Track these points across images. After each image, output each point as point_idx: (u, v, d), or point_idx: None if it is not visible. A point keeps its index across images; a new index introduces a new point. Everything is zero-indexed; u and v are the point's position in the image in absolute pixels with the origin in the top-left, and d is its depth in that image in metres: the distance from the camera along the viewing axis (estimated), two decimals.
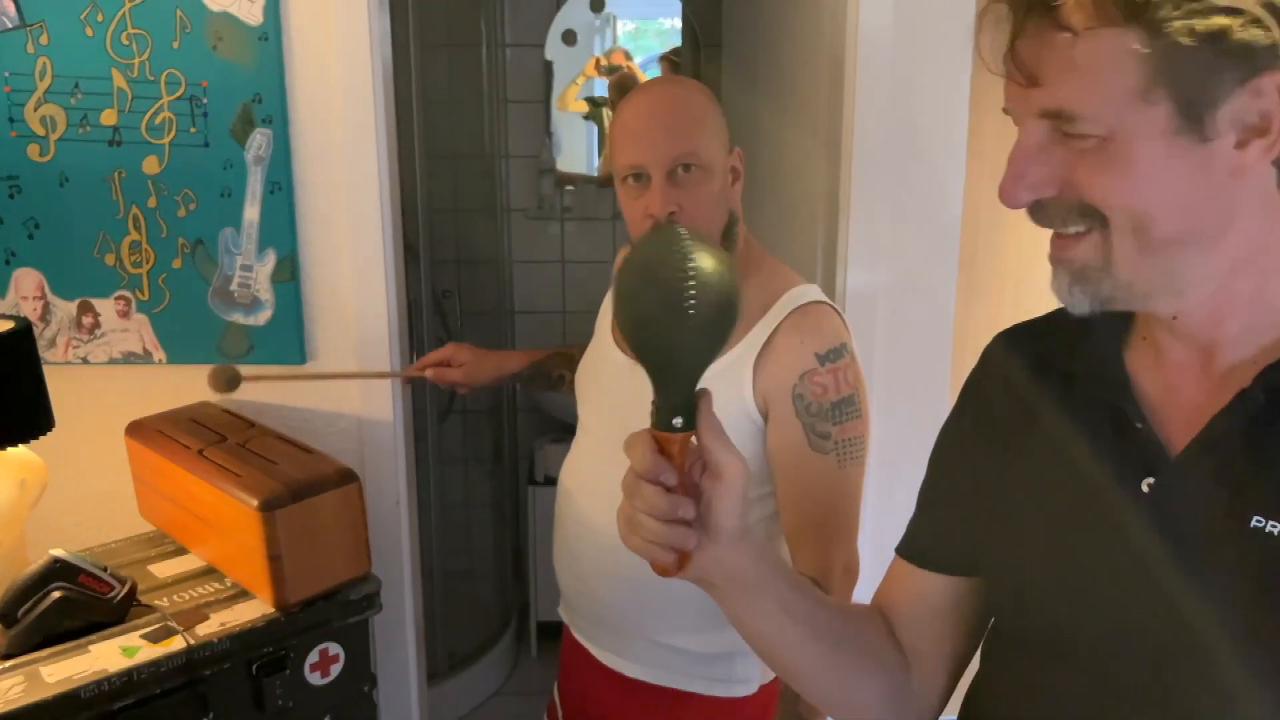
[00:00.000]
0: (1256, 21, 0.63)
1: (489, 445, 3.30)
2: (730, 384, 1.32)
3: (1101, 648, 0.76)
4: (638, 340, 0.75)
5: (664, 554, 0.76)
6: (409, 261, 2.72)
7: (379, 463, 1.70)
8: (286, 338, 1.66)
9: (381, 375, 1.65)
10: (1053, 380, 0.83)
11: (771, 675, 1.42)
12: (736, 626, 0.85)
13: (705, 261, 0.72)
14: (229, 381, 1.55)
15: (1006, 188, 0.73)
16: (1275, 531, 0.68)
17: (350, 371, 1.65)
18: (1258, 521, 0.69)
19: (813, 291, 1.36)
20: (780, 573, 0.84)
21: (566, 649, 1.59)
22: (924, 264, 1.74)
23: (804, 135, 1.89)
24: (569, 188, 3.23)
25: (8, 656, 1.26)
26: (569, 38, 3.10)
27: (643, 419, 0.76)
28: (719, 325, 0.73)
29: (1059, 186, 0.71)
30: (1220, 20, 0.63)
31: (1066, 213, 0.71)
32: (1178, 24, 0.63)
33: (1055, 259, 0.75)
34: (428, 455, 2.99)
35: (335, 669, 1.43)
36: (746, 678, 1.42)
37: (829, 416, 1.29)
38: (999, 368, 0.90)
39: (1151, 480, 0.75)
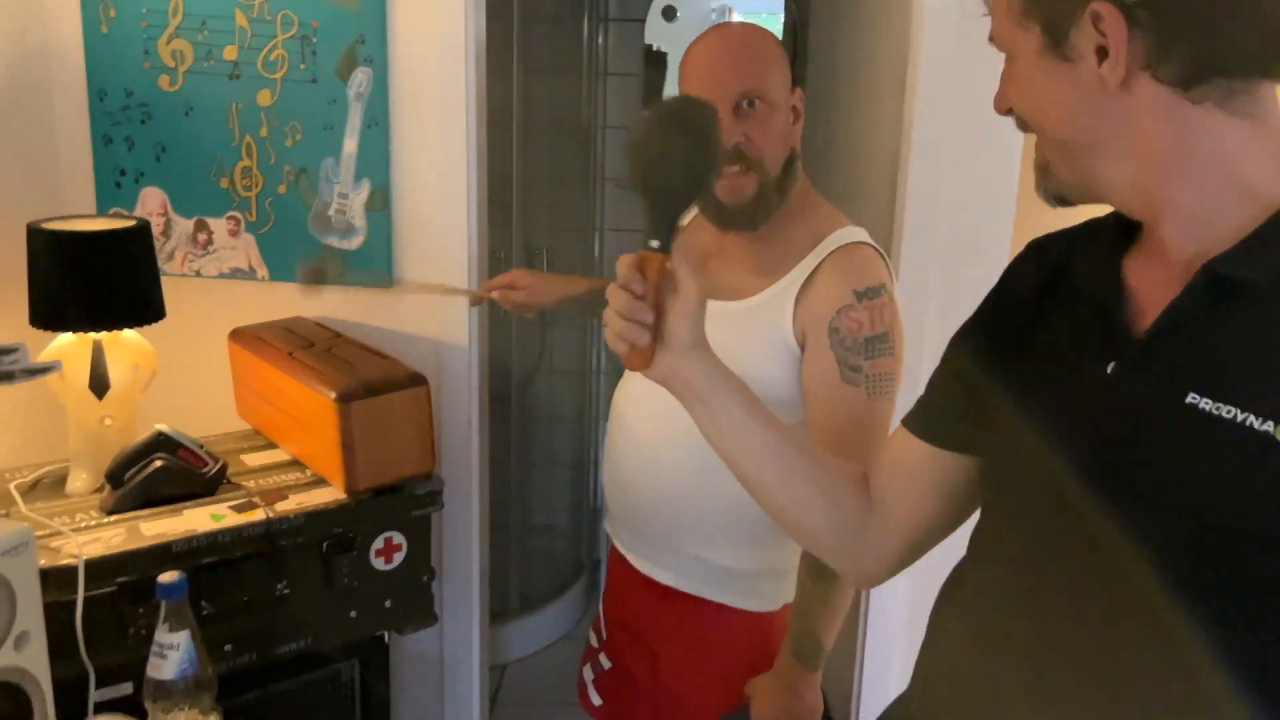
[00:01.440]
0: None
1: (572, 406, 3.43)
2: (773, 313, 1.40)
3: (1053, 519, 0.83)
4: (635, 176, 0.94)
5: (624, 346, 0.94)
6: (501, 217, 2.87)
7: (454, 384, 1.83)
8: (376, 262, 1.81)
9: (454, 291, 1.77)
10: (1062, 279, 0.90)
11: (793, 596, 1.49)
12: (708, 440, 1.00)
13: (692, 124, 0.92)
14: (315, 274, 1.70)
15: (994, 101, 0.84)
16: (1207, 409, 0.74)
17: (428, 284, 1.78)
18: (1192, 399, 0.74)
19: (858, 233, 1.43)
20: (735, 390, 0.98)
21: (612, 564, 1.70)
22: (981, 214, 1.78)
23: (873, 101, 1.95)
24: None
25: (113, 512, 1.43)
26: (669, 13, 3.21)
27: None
28: (695, 174, 0.95)
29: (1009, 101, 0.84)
30: None
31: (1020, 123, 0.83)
32: None
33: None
34: (511, 415, 3.14)
35: (398, 557, 1.57)
36: (773, 595, 1.49)
37: (862, 351, 1.36)
38: (1021, 267, 0.97)
39: (1114, 364, 0.81)
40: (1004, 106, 0.85)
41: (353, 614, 1.54)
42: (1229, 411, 0.72)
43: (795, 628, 1.42)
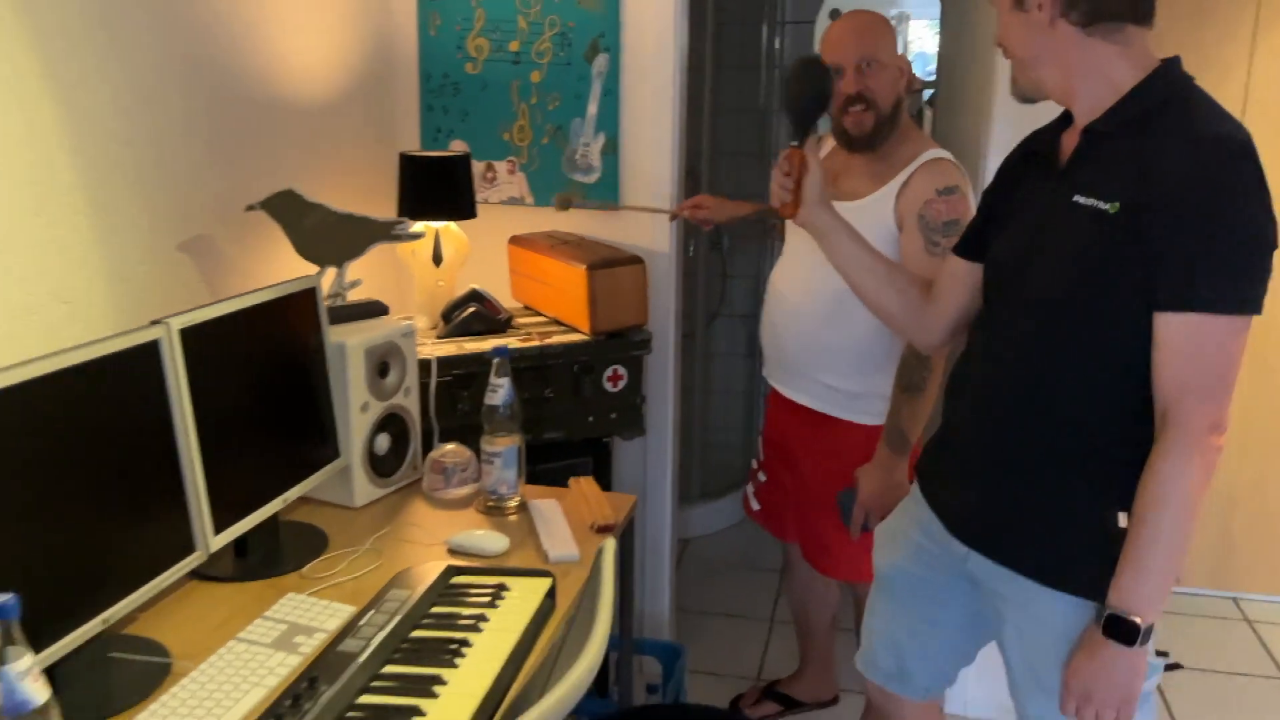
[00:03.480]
0: None
1: (744, 343, 4.11)
2: (881, 207, 2.05)
3: (1001, 293, 1.46)
4: (784, 102, 1.58)
5: (780, 199, 1.59)
6: (692, 182, 3.59)
7: (658, 270, 2.53)
8: (608, 191, 2.55)
9: (659, 210, 2.49)
10: (1039, 147, 1.51)
11: None
12: (831, 259, 1.64)
13: (812, 77, 1.54)
14: (565, 201, 2.45)
15: (996, 39, 1.47)
16: (1081, 201, 1.35)
17: (642, 205, 2.51)
18: (1077, 198, 1.36)
19: (942, 152, 2.06)
20: (848, 231, 1.63)
21: (769, 401, 2.38)
22: None
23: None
24: None
25: (445, 337, 2.22)
26: (834, 15, 3.85)
27: (815, 247, 1.67)
28: (813, 105, 1.58)
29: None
30: None
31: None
32: None
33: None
34: (696, 350, 3.86)
35: (621, 384, 2.30)
36: (877, 412, 2.13)
37: (941, 231, 1.98)
38: (1013, 152, 1.59)
39: (1047, 186, 1.43)
40: (998, 42, 1.48)
41: (590, 419, 2.29)
42: (1091, 202, 1.34)
43: (888, 425, 2.06)
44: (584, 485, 1.93)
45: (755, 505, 2.48)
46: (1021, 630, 1.48)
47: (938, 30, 3.89)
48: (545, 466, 2.25)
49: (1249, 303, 1.29)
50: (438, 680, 1.27)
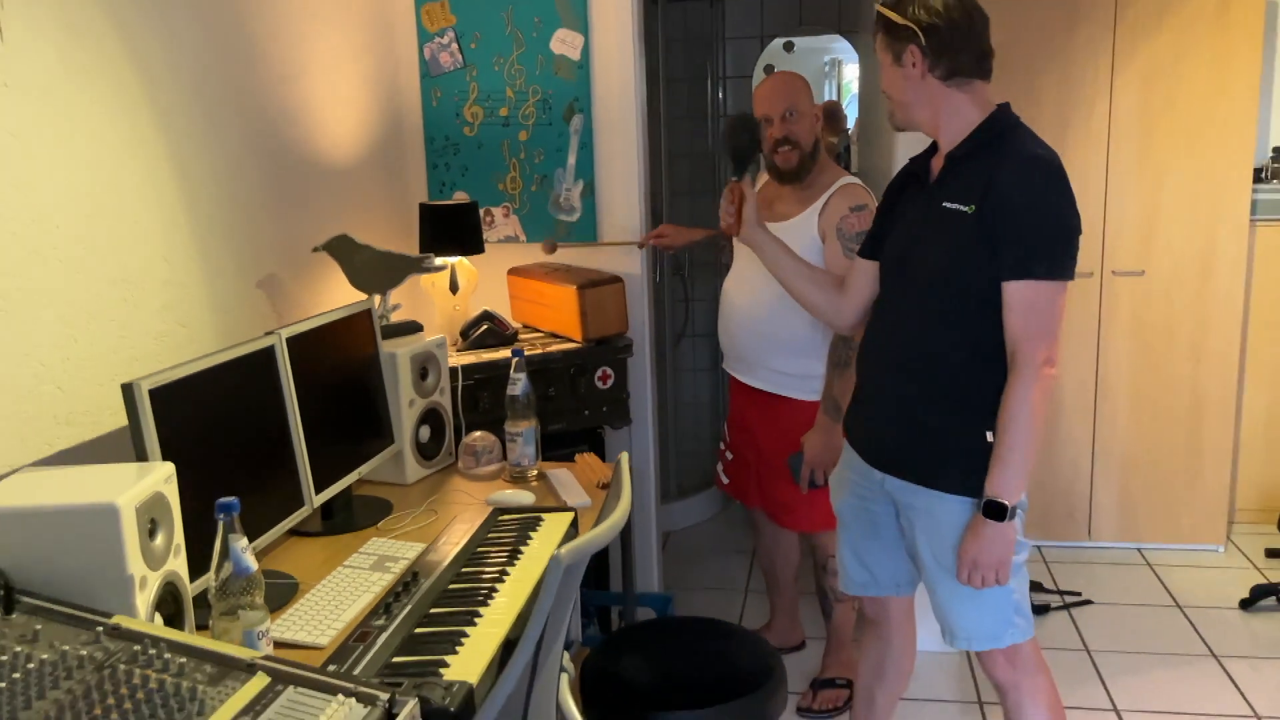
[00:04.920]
0: (902, 24, 1.88)
1: (708, 358, 4.63)
2: (807, 224, 2.58)
3: (896, 282, 1.99)
4: (724, 147, 2.11)
5: (726, 221, 2.12)
6: (655, 216, 4.11)
7: (633, 290, 3.05)
8: (587, 229, 3.07)
9: (630, 243, 3.02)
10: (916, 169, 2.05)
11: None
12: (769, 268, 2.17)
13: (745, 128, 2.08)
14: (550, 246, 2.97)
15: (881, 89, 2.03)
16: (948, 206, 1.89)
17: (617, 241, 3.03)
18: (944, 204, 1.90)
19: (853, 178, 2.61)
20: (781, 246, 2.16)
21: (730, 388, 2.89)
22: None
23: None
24: None
25: (465, 350, 2.72)
26: (769, 70, 4.44)
27: (757, 259, 2.20)
28: (747, 150, 2.10)
29: None
30: (893, 17, 1.89)
31: None
32: (885, 31, 1.91)
33: None
34: (670, 367, 4.37)
35: (609, 382, 2.80)
36: (815, 389, 2.64)
37: (854, 240, 2.52)
38: (899, 172, 2.12)
39: (921, 197, 1.97)
40: (883, 90, 2.00)
41: (586, 412, 2.78)
42: (954, 206, 1.88)
43: (824, 397, 2.57)
44: (587, 457, 2.43)
45: (725, 479, 2.99)
46: (927, 530, 1.99)
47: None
48: (551, 454, 2.73)
49: (1065, 271, 1.83)
50: (501, 578, 1.75)
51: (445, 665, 1.46)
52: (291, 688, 1.27)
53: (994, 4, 3.41)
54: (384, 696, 1.27)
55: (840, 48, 4.70)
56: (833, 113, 4.50)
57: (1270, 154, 3.93)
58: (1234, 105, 3.52)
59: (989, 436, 1.88)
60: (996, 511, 1.85)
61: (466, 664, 1.46)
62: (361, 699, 1.26)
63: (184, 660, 1.27)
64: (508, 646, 1.54)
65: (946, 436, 1.93)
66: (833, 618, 2.87)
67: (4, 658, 1.23)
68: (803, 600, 3.20)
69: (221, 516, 1.42)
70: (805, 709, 2.82)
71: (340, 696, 1.26)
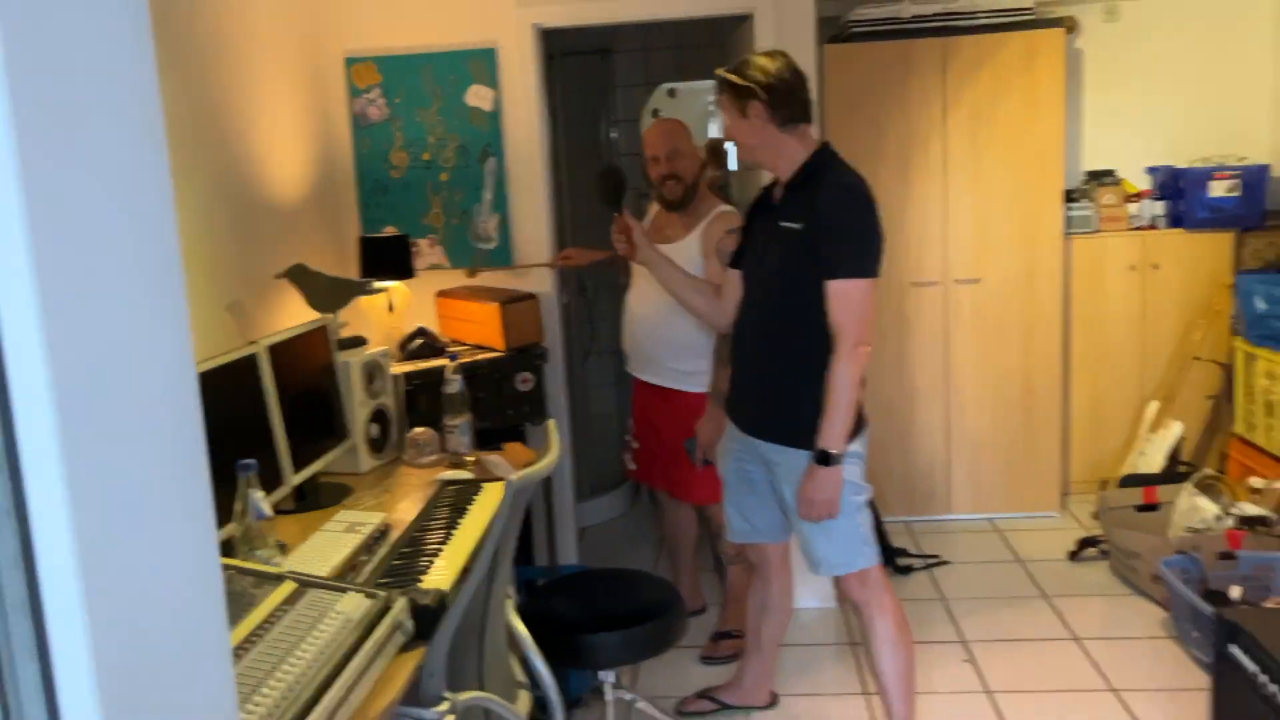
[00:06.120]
0: (744, 84, 2.42)
1: (612, 374, 5.12)
2: (691, 246, 3.10)
3: (754, 287, 2.52)
4: (597, 195, 2.64)
5: (620, 248, 2.64)
6: (561, 240, 4.59)
7: (546, 305, 3.52)
8: (503, 255, 3.54)
9: (541, 265, 3.50)
10: (764, 197, 2.58)
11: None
12: (661, 283, 2.68)
13: (610, 178, 2.61)
14: (470, 272, 3.42)
15: (725, 135, 2.56)
16: (786, 225, 2.42)
17: (529, 264, 3.50)
18: (783, 223, 2.43)
19: (728, 207, 3.15)
20: (669, 263, 2.68)
21: (634, 387, 3.38)
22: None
23: None
24: None
25: (404, 360, 3.14)
26: (655, 114, 4.99)
27: (650, 276, 2.74)
28: (614, 195, 2.63)
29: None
30: (736, 80, 2.43)
31: None
32: (729, 91, 2.45)
33: None
34: (577, 381, 4.84)
35: (529, 385, 3.26)
36: (704, 383, 3.15)
37: (729, 257, 3.04)
38: (755, 198, 2.65)
39: (769, 217, 2.50)
40: (729, 136, 2.53)
41: (510, 411, 3.24)
42: (790, 224, 2.42)
43: (712, 387, 3.08)
44: (514, 445, 2.88)
45: (632, 466, 3.47)
46: (790, 480, 2.50)
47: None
48: (481, 448, 3.18)
49: (871, 271, 2.37)
50: (455, 523, 2.20)
51: (421, 580, 1.90)
52: (312, 590, 1.70)
53: (844, 59, 4.19)
54: (382, 594, 1.71)
55: None
56: (716, 150, 5.06)
57: (1083, 177, 4.64)
58: (1044, 138, 4.20)
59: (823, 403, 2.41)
60: (825, 459, 2.36)
61: (438, 578, 1.90)
62: (367, 596, 1.70)
63: (232, 573, 1.69)
64: (467, 573, 1.98)
65: (799, 405, 2.45)
66: (727, 579, 3.37)
67: None
68: (702, 575, 3.68)
69: (242, 473, 1.84)
70: (707, 657, 3.30)
71: (350, 593, 1.69)
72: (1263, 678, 2.11)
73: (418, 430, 2.86)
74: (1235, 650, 2.22)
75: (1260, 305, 3.66)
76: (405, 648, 1.72)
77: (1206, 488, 3.64)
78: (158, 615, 0.81)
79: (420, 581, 1.90)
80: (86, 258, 0.75)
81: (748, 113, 2.44)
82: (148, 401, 0.84)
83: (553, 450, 2.04)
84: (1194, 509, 3.56)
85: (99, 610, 0.71)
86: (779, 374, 2.46)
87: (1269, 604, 3.08)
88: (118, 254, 0.80)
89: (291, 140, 3.17)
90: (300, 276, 2.80)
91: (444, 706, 1.71)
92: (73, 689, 0.71)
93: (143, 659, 0.78)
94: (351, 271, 3.35)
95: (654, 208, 3.29)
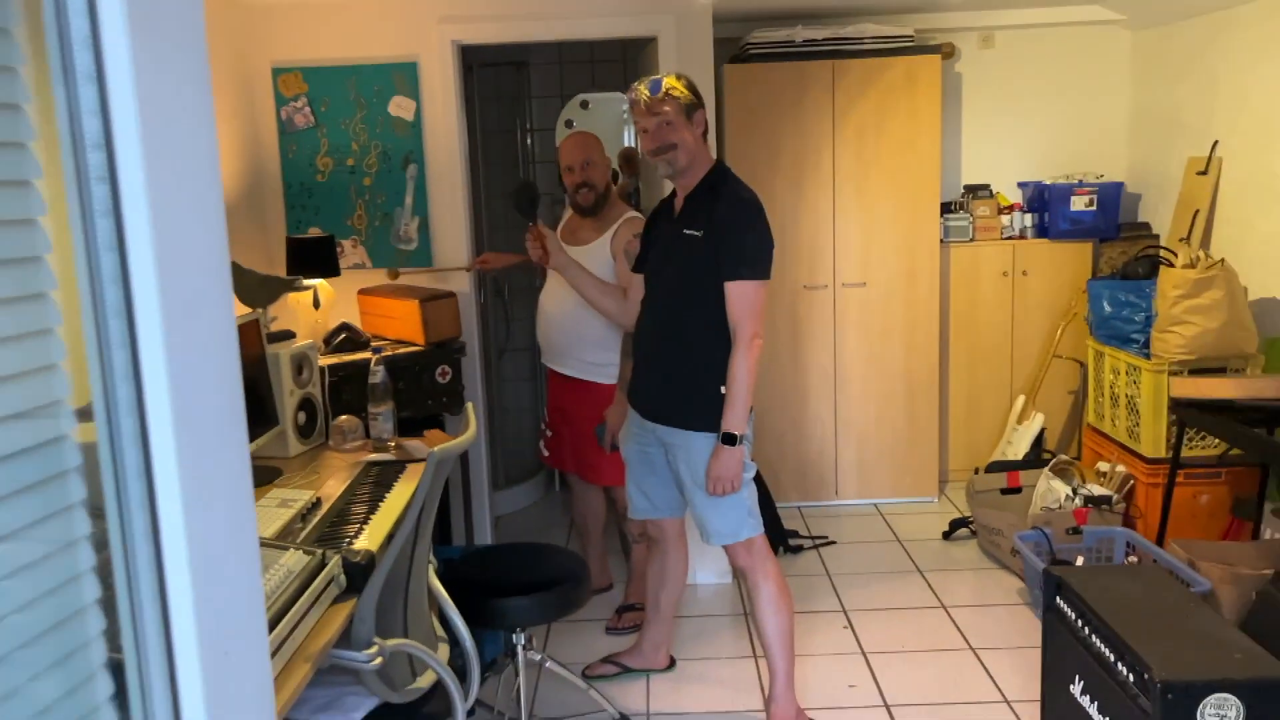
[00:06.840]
0: (691, 96, 2.72)
1: (527, 369, 5.37)
2: (602, 249, 3.38)
3: (656, 287, 2.82)
4: (514, 206, 2.92)
5: (535, 255, 2.93)
6: (478, 245, 4.84)
7: (465, 302, 3.77)
8: (423, 257, 3.77)
9: (460, 268, 3.74)
10: (664, 207, 2.88)
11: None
12: (572, 285, 2.96)
13: (524, 193, 2.90)
14: (392, 273, 3.65)
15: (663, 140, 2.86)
16: (687, 232, 2.72)
17: (448, 267, 3.74)
18: (685, 230, 2.73)
19: (636, 213, 3.44)
20: (581, 268, 2.97)
21: (548, 378, 3.65)
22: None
23: None
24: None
25: (328, 353, 3.36)
26: (569, 124, 5.26)
27: (562, 279, 3.04)
28: (528, 207, 2.92)
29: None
30: (687, 92, 2.72)
31: None
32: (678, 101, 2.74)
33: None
34: (494, 376, 5.08)
35: (448, 377, 3.50)
36: (613, 374, 3.44)
37: (636, 259, 3.34)
38: (656, 207, 2.95)
39: (669, 226, 2.80)
40: (670, 143, 2.80)
41: (429, 401, 3.47)
42: (691, 231, 2.72)
43: (620, 379, 3.36)
44: (435, 431, 3.12)
45: (546, 453, 3.74)
46: (685, 460, 2.79)
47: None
48: (402, 435, 3.41)
49: (763, 273, 2.69)
50: (382, 496, 2.44)
51: (352, 542, 2.14)
52: (260, 548, 1.93)
53: (742, 78, 4.54)
54: (319, 552, 1.95)
55: None
56: (629, 158, 5.34)
57: (962, 190, 5.06)
58: (923, 154, 4.59)
59: (722, 390, 2.71)
60: (729, 439, 2.67)
61: (367, 541, 2.15)
62: (306, 553, 1.94)
63: None
64: (392, 538, 2.23)
65: (694, 392, 2.75)
66: (631, 556, 3.66)
67: None
68: (610, 557, 3.97)
69: None
70: (612, 628, 3.58)
71: (290, 550, 1.93)
72: (1079, 623, 2.47)
73: (343, 418, 3.08)
74: (1060, 602, 2.59)
75: (1106, 308, 4.09)
76: (338, 599, 1.97)
77: (1061, 471, 4.06)
78: (229, 567, 1.15)
79: (351, 543, 2.14)
80: (195, 279, 1.07)
81: (694, 119, 2.72)
82: (220, 403, 1.12)
83: (471, 428, 2.30)
84: (1049, 491, 3.98)
85: (198, 568, 1.06)
86: (679, 365, 2.75)
87: (1079, 562, 3.52)
88: (212, 278, 1.11)
89: (222, 145, 3.36)
90: (232, 273, 3.00)
91: (373, 649, 1.96)
92: (181, 624, 1.05)
93: (224, 602, 1.13)
94: (279, 270, 3.55)
95: (568, 212, 3.57)
